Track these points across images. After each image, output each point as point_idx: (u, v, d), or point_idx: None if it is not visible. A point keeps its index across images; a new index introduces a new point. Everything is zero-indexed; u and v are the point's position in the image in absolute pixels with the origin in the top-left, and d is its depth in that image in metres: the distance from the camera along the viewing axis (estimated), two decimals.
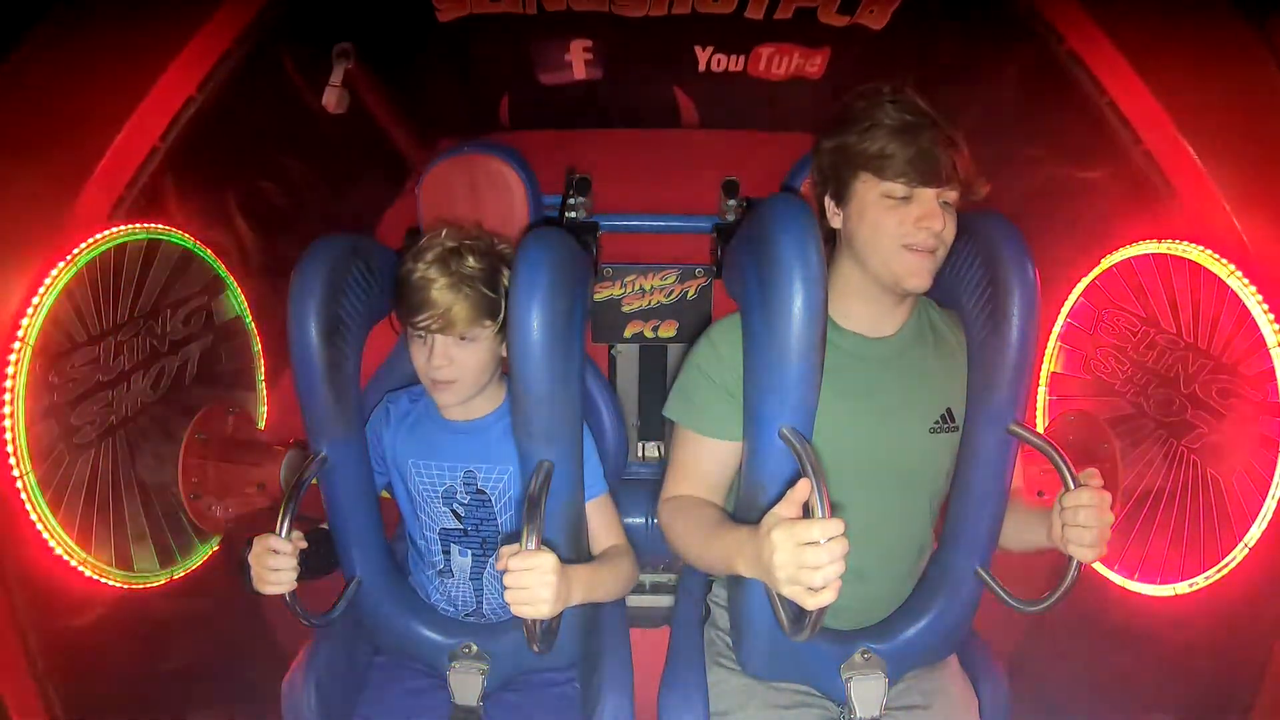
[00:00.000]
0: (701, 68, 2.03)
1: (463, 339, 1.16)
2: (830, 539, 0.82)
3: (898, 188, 1.06)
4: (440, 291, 1.14)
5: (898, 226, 1.06)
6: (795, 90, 2.04)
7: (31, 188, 1.15)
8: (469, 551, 1.28)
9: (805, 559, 0.83)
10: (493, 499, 1.26)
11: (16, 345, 1.08)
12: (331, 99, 1.72)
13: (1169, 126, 1.21)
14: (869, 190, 1.08)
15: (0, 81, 1.20)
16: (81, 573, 1.18)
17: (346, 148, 1.89)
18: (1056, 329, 1.54)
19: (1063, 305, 1.52)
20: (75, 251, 1.16)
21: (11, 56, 1.21)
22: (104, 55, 1.26)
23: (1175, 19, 1.30)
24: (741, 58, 2.01)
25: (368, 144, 1.98)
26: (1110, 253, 1.41)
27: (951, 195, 1.08)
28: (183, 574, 1.38)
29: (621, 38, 1.92)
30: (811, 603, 0.84)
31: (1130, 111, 1.27)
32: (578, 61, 2.00)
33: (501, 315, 1.16)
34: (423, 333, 1.16)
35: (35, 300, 1.10)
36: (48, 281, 1.12)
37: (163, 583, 1.33)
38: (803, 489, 0.87)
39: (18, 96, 1.20)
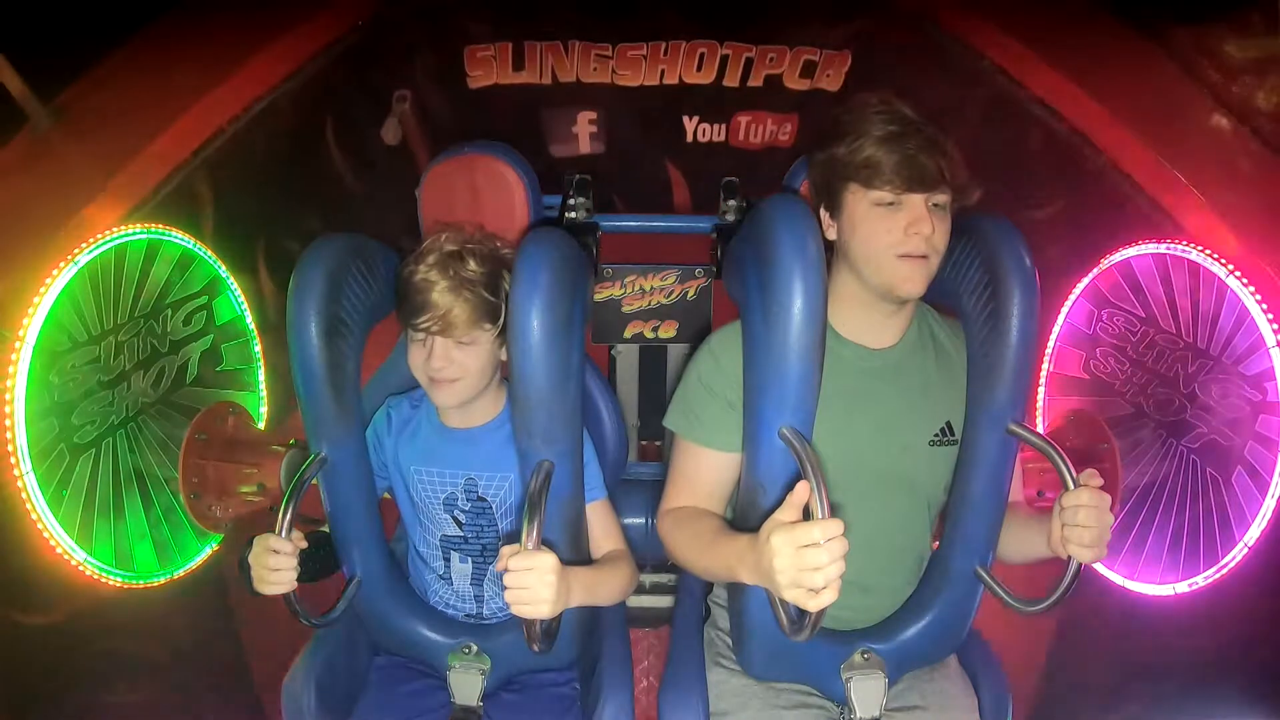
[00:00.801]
0: (689, 138, 2.27)
1: (462, 342, 1.16)
2: (830, 539, 0.82)
3: (885, 195, 1.06)
4: (441, 294, 1.14)
5: (888, 235, 1.06)
6: (771, 159, 2.25)
7: (41, 186, 1.16)
8: (469, 558, 1.28)
9: (806, 561, 0.83)
10: (493, 507, 1.26)
11: (17, 345, 1.08)
12: (389, 133, 2.07)
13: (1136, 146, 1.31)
14: (858, 200, 1.09)
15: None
16: (81, 573, 1.18)
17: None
18: (1056, 329, 1.54)
19: (1063, 305, 1.52)
20: (76, 252, 1.16)
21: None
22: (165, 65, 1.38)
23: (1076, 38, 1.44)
24: (723, 126, 2.26)
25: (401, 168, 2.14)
26: (1110, 253, 1.41)
27: (941, 199, 1.08)
28: (183, 574, 1.38)
29: (621, 108, 2.20)
30: (813, 604, 0.84)
31: (1092, 134, 1.37)
32: (583, 134, 2.24)
33: (502, 319, 1.16)
34: (423, 334, 1.16)
35: (35, 300, 1.10)
36: (48, 281, 1.12)
37: (162, 582, 1.33)
38: (801, 492, 0.87)
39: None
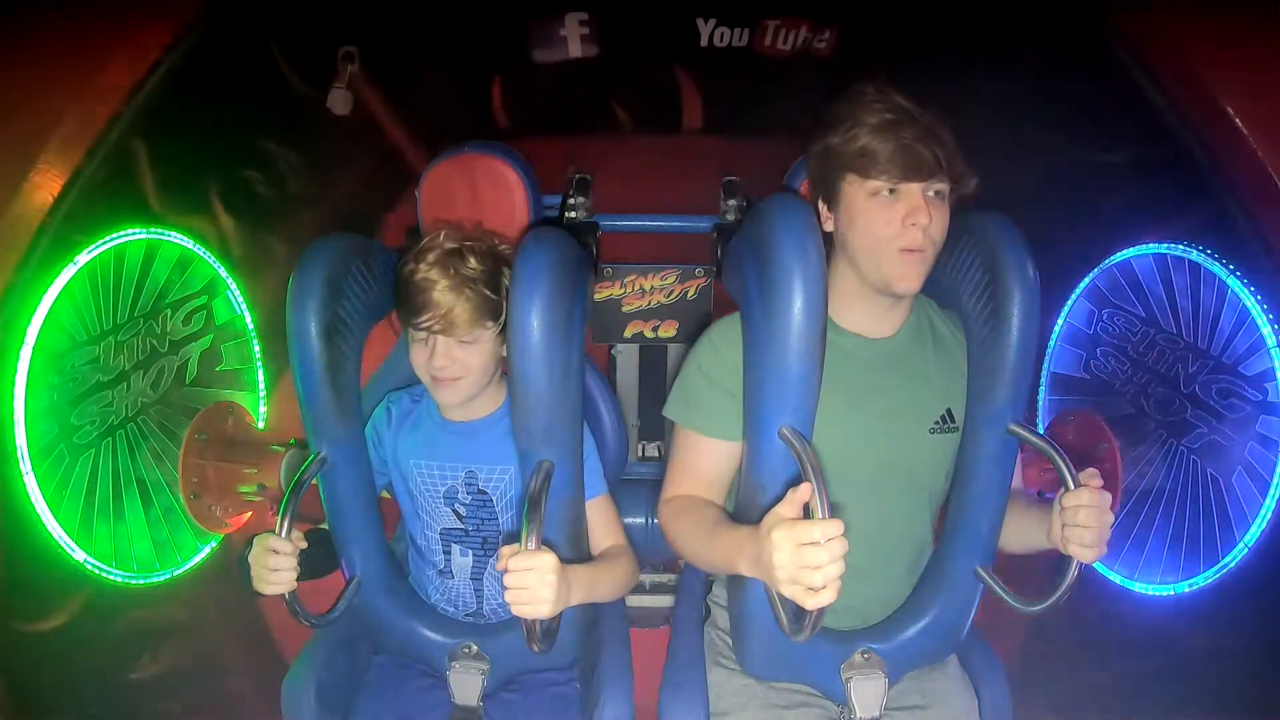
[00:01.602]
0: (704, 42, 1.93)
1: (464, 340, 1.16)
2: (830, 539, 0.82)
3: (882, 185, 1.05)
4: (441, 293, 1.14)
5: (886, 227, 1.06)
6: (802, 71, 1.95)
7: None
8: (470, 551, 1.28)
9: (805, 559, 0.83)
10: (494, 499, 1.26)
11: (17, 345, 1.08)
12: (337, 101, 1.75)
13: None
14: (855, 191, 1.08)
15: None
16: (81, 573, 1.18)
17: (346, 146, 1.89)
18: (1056, 329, 1.54)
19: (1063, 305, 1.52)
20: (76, 252, 1.16)
21: None
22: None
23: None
24: (746, 31, 1.92)
25: (368, 145, 1.98)
26: (1111, 253, 1.41)
27: (939, 187, 1.07)
28: (183, 573, 1.38)
29: (619, 11, 1.86)
30: (811, 603, 0.84)
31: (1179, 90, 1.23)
32: (573, 37, 1.92)
33: (503, 316, 1.16)
34: (424, 334, 1.16)
35: (36, 300, 1.10)
36: (48, 281, 1.12)
37: (163, 582, 1.33)
38: (804, 490, 0.87)
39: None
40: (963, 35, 1.75)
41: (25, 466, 1.09)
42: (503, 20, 1.90)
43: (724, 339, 1.15)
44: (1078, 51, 1.48)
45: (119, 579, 1.25)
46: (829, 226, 1.14)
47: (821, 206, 1.14)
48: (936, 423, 1.16)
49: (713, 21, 1.91)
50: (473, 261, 1.16)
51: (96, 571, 1.20)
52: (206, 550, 1.45)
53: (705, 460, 1.16)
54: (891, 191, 1.06)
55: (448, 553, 1.28)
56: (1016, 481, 1.19)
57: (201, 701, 1.44)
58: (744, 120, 2.16)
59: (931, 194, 1.06)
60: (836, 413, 1.10)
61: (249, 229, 1.59)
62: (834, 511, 0.85)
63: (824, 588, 0.83)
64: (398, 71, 1.90)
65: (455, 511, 1.26)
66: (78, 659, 1.21)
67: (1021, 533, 1.16)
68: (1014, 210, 1.14)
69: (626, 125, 2.25)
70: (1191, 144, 1.24)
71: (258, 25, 1.51)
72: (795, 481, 1.02)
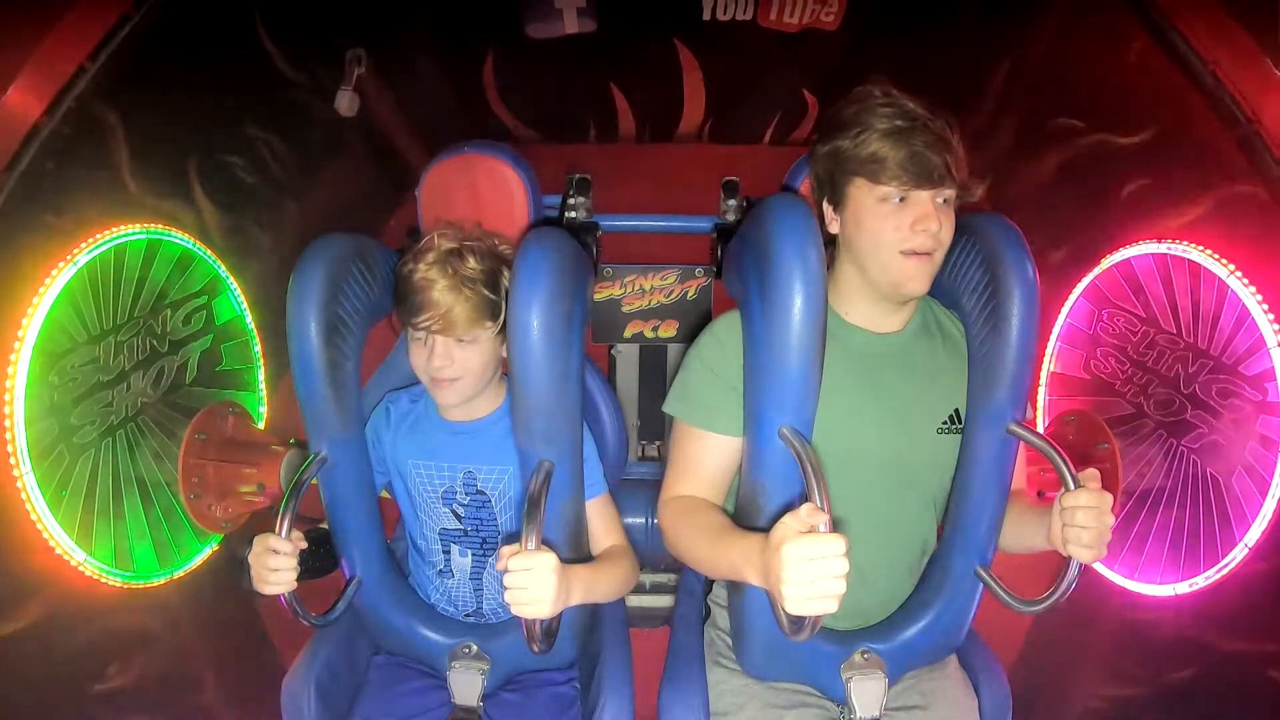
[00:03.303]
0: (707, 15, 1.86)
1: (463, 340, 1.16)
2: (837, 555, 0.82)
3: (892, 191, 1.06)
4: (441, 293, 1.14)
5: (895, 232, 1.06)
6: (809, 47, 1.89)
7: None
8: (469, 551, 1.28)
9: (815, 573, 0.83)
10: (493, 499, 1.26)
11: (17, 345, 1.08)
12: (343, 103, 1.73)
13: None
14: (864, 195, 1.08)
15: None
16: (81, 572, 1.18)
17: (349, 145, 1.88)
18: (1056, 329, 1.54)
19: (1063, 305, 1.52)
20: (75, 251, 1.16)
21: None
22: None
23: None
24: (751, 4, 1.84)
25: (371, 145, 1.97)
26: (1110, 253, 1.41)
27: (948, 194, 1.07)
28: (182, 574, 1.38)
29: None
30: (813, 611, 0.84)
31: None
32: (569, 11, 1.84)
33: (502, 316, 1.16)
34: (423, 333, 1.16)
35: (35, 300, 1.10)
36: (48, 281, 1.12)
37: (162, 583, 1.33)
38: (816, 512, 0.85)
39: None
40: (978, 12, 1.71)
41: (25, 467, 1.09)
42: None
43: (728, 333, 1.15)
44: (1079, 48, 1.48)
45: (119, 579, 1.25)
46: (834, 229, 1.14)
47: (826, 208, 1.14)
48: (944, 423, 1.16)
49: None
50: (472, 261, 1.16)
51: (96, 572, 1.20)
52: (207, 550, 1.45)
53: (706, 457, 1.16)
54: (901, 198, 1.06)
55: (447, 553, 1.28)
56: (1017, 482, 1.19)
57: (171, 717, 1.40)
58: (748, 98, 2.11)
59: (940, 201, 1.07)
60: (845, 407, 1.10)
61: (247, 226, 1.59)
62: (836, 513, 0.85)
63: (828, 599, 0.83)
64: (391, 60, 1.86)
65: (454, 512, 1.26)
66: (77, 659, 1.20)
67: (1021, 533, 1.16)
68: (1014, 210, 1.14)
69: (627, 118, 2.16)
70: (1192, 142, 1.24)
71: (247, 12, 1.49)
72: (796, 481, 1.02)
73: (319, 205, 1.81)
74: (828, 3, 1.85)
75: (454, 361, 1.16)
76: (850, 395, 1.11)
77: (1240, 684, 1.20)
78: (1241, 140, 1.16)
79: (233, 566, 1.12)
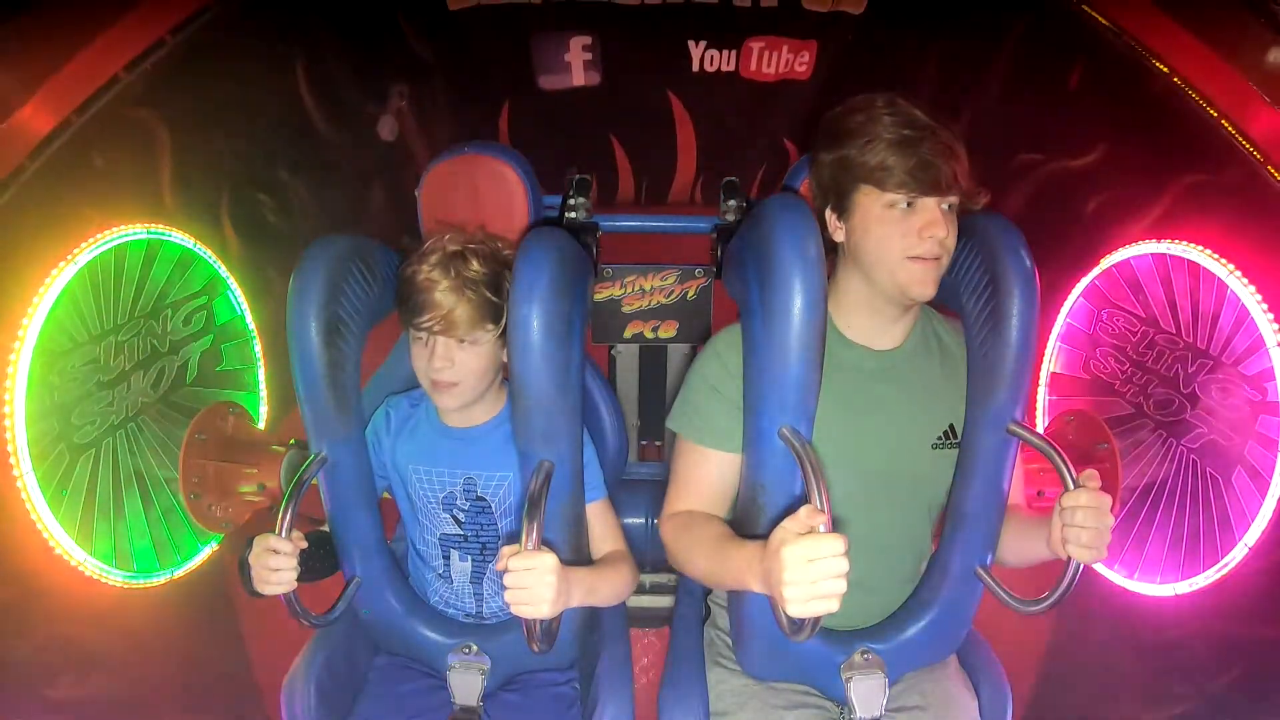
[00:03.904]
0: (695, 67, 2.02)
1: (464, 342, 1.16)
2: (837, 555, 0.83)
3: (900, 198, 1.06)
4: (443, 294, 1.14)
5: (902, 238, 1.07)
6: (785, 95, 2.05)
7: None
8: (469, 556, 1.28)
9: (815, 574, 0.83)
10: (492, 505, 1.26)
11: (17, 345, 1.08)
12: (385, 128, 1.94)
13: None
14: (871, 202, 1.09)
15: None
16: (81, 573, 1.18)
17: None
18: (1056, 329, 1.54)
19: (1063, 305, 1.52)
20: (75, 251, 1.16)
21: None
22: None
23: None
24: (733, 54, 2.01)
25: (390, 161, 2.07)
26: (1110, 253, 1.41)
27: (953, 201, 1.08)
28: (183, 574, 1.38)
29: (619, 33, 1.95)
30: (813, 611, 0.84)
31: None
32: (577, 64, 2.00)
33: (504, 319, 1.16)
34: (424, 334, 1.16)
35: (36, 300, 1.10)
36: (48, 281, 1.12)
37: (163, 583, 1.33)
38: (816, 515, 0.85)
39: None
40: (945, 36, 1.77)
41: (25, 467, 1.09)
42: (513, 50, 2.01)
43: (729, 349, 1.15)
44: (1075, 46, 1.49)
45: (119, 579, 1.25)
46: (839, 236, 1.14)
47: (830, 216, 1.14)
48: (939, 439, 1.17)
49: (703, 44, 2.00)
50: (475, 264, 1.16)
51: (96, 572, 1.20)
52: (207, 550, 1.45)
53: (710, 474, 1.16)
54: (908, 204, 1.06)
55: (446, 558, 1.28)
56: (1015, 492, 1.19)
57: None
58: (736, 150, 2.27)
59: (945, 207, 1.07)
60: (839, 424, 1.10)
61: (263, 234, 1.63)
62: (835, 520, 0.85)
63: (829, 599, 0.83)
64: (421, 103, 2.06)
65: (454, 518, 1.26)
66: (76, 659, 1.20)
67: (1023, 543, 1.16)
68: (1014, 210, 1.14)
69: (626, 173, 2.33)
70: (1194, 140, 1.24)
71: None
72: (796, 482, 1.02)
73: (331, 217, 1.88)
74: (800, 55, 2.04)
75: (454, 363, 1.16)
76: (844, 410, 1.11)
77: (1240, 684, 1.20)
78: (1232, 140, 1.17)
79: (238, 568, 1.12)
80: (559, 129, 2.18)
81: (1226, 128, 1.18)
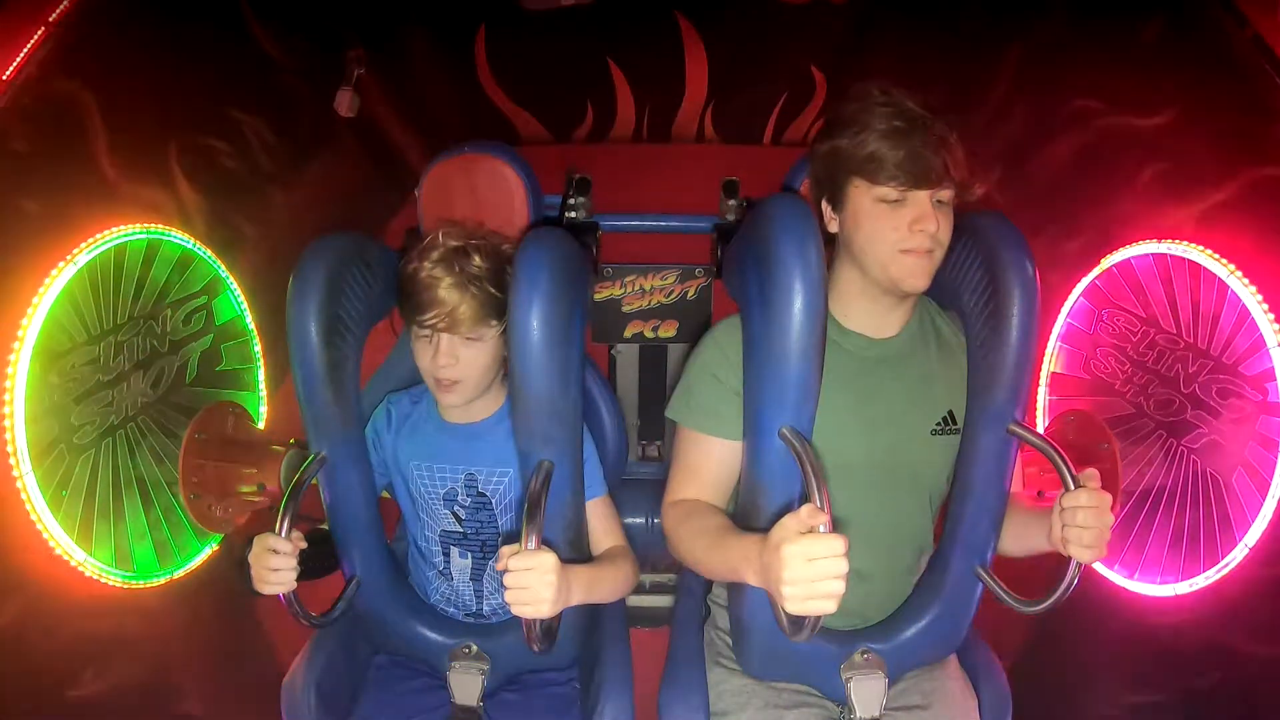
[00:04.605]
0: None
1: (468, 338, 1.16)
2: (837, 555, 0.82)
3: (890, 191, 1.06)
4: (447, 290, 1.14)
5: (893, 231, 1.06)
6: (818, 20, 1.80)
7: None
8: (469, 554, 1.28)
9: (815, 573, 0.83)
10: (493, 502, 1.26)
11: (17, 345, 1.08)
12: (344, 103, 1.74)
13: None
14: (862, 195, 1.09)
15: None
16: (81, 573, 1.18)
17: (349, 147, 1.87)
18: (1056, 329, 1.54)
19: (1063, 305, 1.52)
20: (75, 251, 1.16)
21: None
22: None
23: None
24: None
25: (370, 146, 1.97)
26: (1110, 253, 1.41)
27: (946, 194, 1.08)
28: (183, 574, 1.38)
29: None
30: (812, 611, 0.84)
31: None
32: None
33: (506, 316, 1.16)
34: (429, 332, 1.16)
35: (35, 300, 1.10)
36: (48, 281, 1.12)
37: (163, 583, 1.33)
38: (817, 514, 0.85)
39: None
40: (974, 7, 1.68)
41: (25, 467, 1.09)
42: None
43: (729, 338, 1.15)
44: (1082, 44, 1.47)
45: (119, 579, 1.25)
46: (833, 228, 1.14)
47: (825, 207, 1.15)
48: (938, 424, 1.16)
49: None
50: (477, 260, 1.16)
51: (96, 572, 1.20)
52: (207, 550, 1.45)
53: (708, 461, 1.16)
54: (898, 199, 1.06)
55: (447, 555, 1.28)
56: (1015, 486, 1.19)
57: None
58: (754, 76, 2.02)
59: (938, 200, 1.07)
60: (838, 412, 1.10)
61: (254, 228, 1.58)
62: (835, 517, 0.85)
63: (828, 599, 0.83)
64: (386, 54, 1.84)
65: (455, 514, 1.26)
66: (76, 660, 1.20)
67: (1023, 535, 1.16)
68: (1020, 204, 1.14)
69: (625, 99, 2.07)
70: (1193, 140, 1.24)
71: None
72: (796, 481, 1.02)
73: (318, 200, 1.81)
74: None
75: (459, 360, 1.16)
76: (843, 399, 1.11)
77: (1240, 685, 1.20)
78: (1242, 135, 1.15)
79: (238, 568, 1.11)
80: (547, 56, 1.94)
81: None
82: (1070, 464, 1.03)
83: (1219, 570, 1.21)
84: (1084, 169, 1.52)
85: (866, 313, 1.16)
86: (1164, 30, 1.31)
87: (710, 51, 1.97)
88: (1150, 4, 1.31)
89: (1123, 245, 1.38)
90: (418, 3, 1.82)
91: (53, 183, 1.15)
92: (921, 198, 1.06)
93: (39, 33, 1.09)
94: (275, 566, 1.05)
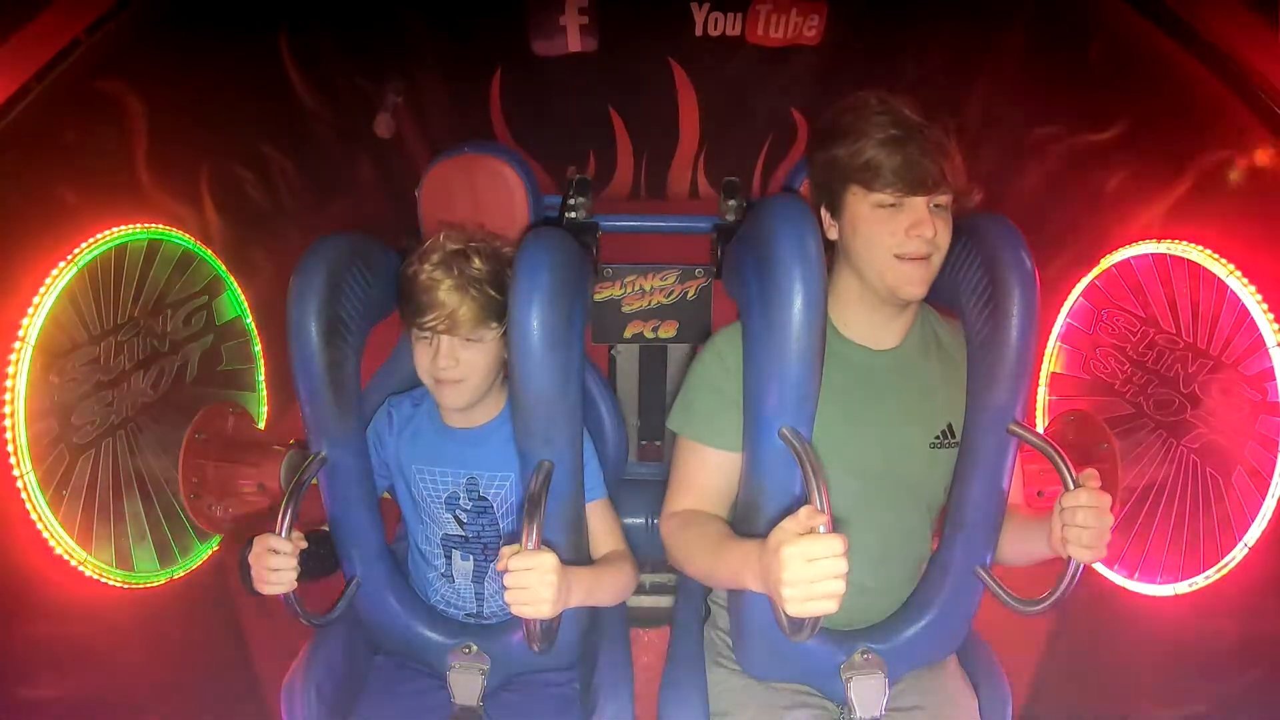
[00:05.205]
0: (699, 30, 1.94)
1: (469, 340, 1.16)
2: (836, 555, 0.83)
3: (886, 198, 1.06)
4: (447, 292, 1.14)
5: (890, 237, 1.07)
6: (794, 63, 1.96)
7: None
8: (470, 556, 1.28)
9: (815, 573, 0.83)
10: (494, 505, 1.26)
11: (17, 345, 1.08)
12: (382, 126, 1.89)
13: None
14: (860, 202, 1.09)
15: None
16: (81, 573, 1.18)
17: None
18: (1056, 329, 1.54)
19: (1063, 305, 1.52)
20: (76, 251, 1.16)
21: None
22: None
23: None
24: (739, 17, 1.92)
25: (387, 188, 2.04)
26: (1110, 253, 1.41)
27: (943, 200, 1.08)
28: (183, 574, 1.38)
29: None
30: (813, 612, 0.84)
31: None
32: (572, 28, 1.94)
33: (506, 317, 1.16)
34: (429, 334, 1.16)
35: (35, 300, 1.10)
36: (48, 281, 1.12)
37: (163, 583, 1.33)
38: (816, 515, 0.85)
39: None
40: (953, 20, 1.74)
41: (25, 467, 1.09)
42: (504, 14, 1.93)
43: (729, 348, 1.15)
44: (1074, 42, 1.48)
45: (119, 579, 1.25)
46: (832, 234, 1.14)
47: (824, 214, 1.15)
48: (937, 438, 1.17)
49: (707, 6, 1.91)
50: (477, 262, 1.16)
51: (96, 573, 1.20)
52: (207, 551, 1.45)
53: (710, 472, 1.16)
54: (894, 205, 1.06)
55: (448, 557, 1.28)
56: (1015, 492, 1.19)
57: None
58: (740, 121, 2.17)
59: (934, 206, 1.07)
60: (838, 423, 1.10)
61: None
62: (835, 521, 0.85)
63: (829, 599, 0.83)
64: (412, 86, 1.99)
65: (456, 518, 1.26)
66: (76, 660, 1.20)
67: (1022, 541, 1.16)
68: (1014, 209, 1.14)
69: (625, 147, 2.23)
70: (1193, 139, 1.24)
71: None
72: (795, 482, 1.02)
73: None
74: (809, 18, 1.94)
75: (459, 362, 1.16)
76: (843, 410, 1.11)
77: (1240, 685, 1.20)
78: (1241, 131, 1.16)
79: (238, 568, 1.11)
80: (554, 101, 2.11)
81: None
82: (1070, 464, 1.03)
83: (1219, 570, 1.21)
84: (1067, 178, 1.56)
85: (866, 322, 1.16)
86: (1104, 49, 1.39)
87: (700, 95, 2.11)
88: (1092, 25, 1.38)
89: (1122, 245, 1.38)
90: (442, 49, 1.96)
91: (90, 178, 1.19)
92: (918, 203, 1.06)
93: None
94: (275, 566, 1.05)
